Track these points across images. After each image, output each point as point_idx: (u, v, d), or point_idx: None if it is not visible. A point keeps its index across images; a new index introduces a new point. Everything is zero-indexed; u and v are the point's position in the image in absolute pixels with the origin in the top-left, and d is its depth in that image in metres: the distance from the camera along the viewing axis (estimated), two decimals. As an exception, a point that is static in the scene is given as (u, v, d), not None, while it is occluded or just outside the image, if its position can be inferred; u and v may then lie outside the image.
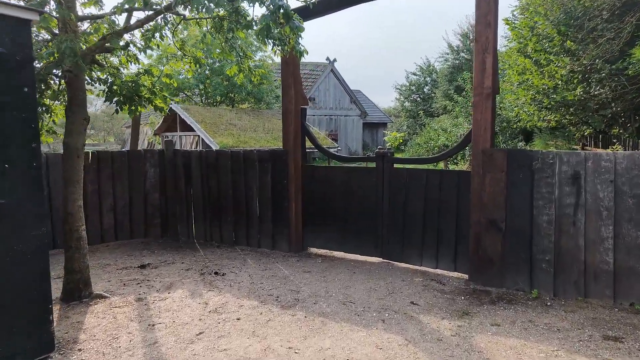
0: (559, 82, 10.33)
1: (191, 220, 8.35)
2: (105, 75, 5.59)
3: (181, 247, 7.84)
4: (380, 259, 6.74)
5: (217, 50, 6.27)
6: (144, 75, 5.71)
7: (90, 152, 7.87)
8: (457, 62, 34.21)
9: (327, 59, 31.02)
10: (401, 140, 18.40)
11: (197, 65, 6.30)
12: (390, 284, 5.70)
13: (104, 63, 5.59)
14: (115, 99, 5.55)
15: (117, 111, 5.66)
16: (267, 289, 5.52)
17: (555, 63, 10.28)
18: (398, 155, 27.08)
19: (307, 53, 5.63)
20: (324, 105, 31.09)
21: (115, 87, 5.53)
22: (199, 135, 18.36)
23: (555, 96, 10.50)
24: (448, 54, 35.80)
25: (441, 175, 6.11)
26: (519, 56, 12.34)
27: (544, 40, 10.62)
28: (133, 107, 5.63)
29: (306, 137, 7.37)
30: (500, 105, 17.88)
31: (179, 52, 6.38)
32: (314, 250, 7.43)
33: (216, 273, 6.21)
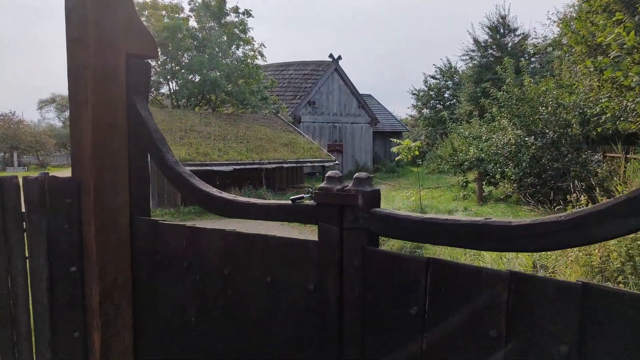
0: None
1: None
2: None
3: None
4: None
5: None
6: None
7: None
8: (484, 60, 29.30)
9: (330, 56, 26.33)
10: (417, 152, 13.62)
11: None
12: None
13: None
14: None
15: None
16: None
17: None
18: (411, 172, 21.99)
19: None
20: (327, 111, 26.34)
21: None
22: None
23: None
24: (474, 52, 30.95)
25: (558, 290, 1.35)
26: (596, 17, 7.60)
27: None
28: None
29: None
30: (559, 100, 13.03)
31: None
32: None
33: None
